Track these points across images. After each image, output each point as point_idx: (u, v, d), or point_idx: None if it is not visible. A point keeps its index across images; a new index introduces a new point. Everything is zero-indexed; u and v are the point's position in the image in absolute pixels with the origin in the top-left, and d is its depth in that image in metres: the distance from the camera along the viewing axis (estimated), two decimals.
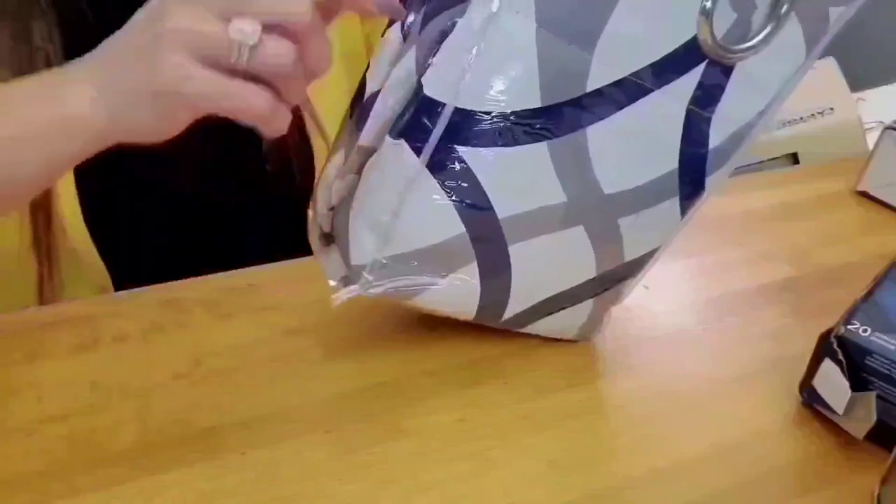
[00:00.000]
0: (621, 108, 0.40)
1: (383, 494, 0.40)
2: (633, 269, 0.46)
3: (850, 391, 0.42)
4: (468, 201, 0.41)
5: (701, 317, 0.53)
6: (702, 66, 0.40)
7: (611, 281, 0.46)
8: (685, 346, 0.49)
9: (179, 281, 0.53)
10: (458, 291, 0.44)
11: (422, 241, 0.42)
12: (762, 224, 0.64)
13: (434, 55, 0.38)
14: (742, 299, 0.55)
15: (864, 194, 0.69)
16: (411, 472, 0.41)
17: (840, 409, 0.43)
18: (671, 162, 0.42)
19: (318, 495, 0.39)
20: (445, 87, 0.38)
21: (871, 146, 0.69)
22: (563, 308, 0.47)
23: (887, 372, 0.41)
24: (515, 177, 0.41)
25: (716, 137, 0.42)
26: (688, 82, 0.40)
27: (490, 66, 0.38)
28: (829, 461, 0.43)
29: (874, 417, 0.42)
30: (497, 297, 0.45)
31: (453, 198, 0.41)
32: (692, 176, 0.43)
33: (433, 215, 0.41)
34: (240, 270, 0.54)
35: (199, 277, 0.53)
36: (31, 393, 0.44)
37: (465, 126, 0.39)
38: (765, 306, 0.55)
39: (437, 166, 0.40)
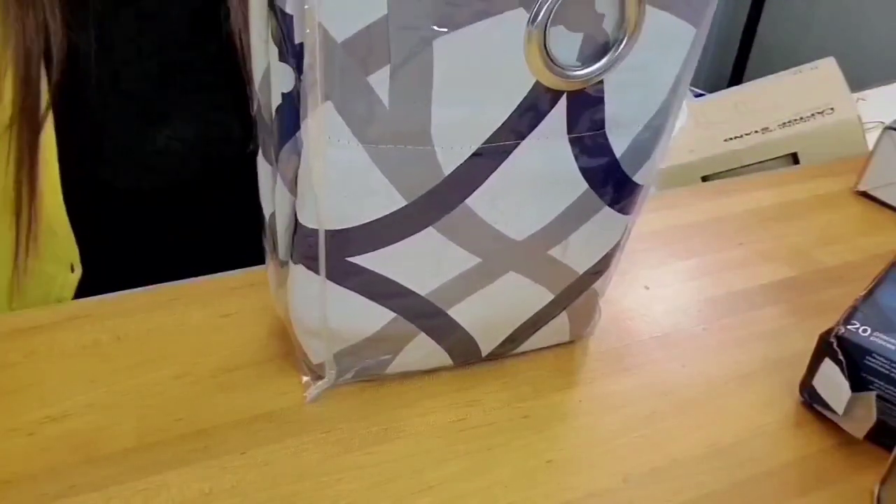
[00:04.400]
0: (493, 170, 0.38)
1: (382, 494, 0.40)
2: (598, 270, 0.45)
3: (850, 391, 0.42)
4: (385, 292, 0.41)
5: (701, 317, 0.53)
6: (563, 100, 0.37)
7: (577, 291, 0.45)
8: (685, 346, 0.49)
9: (179, 281, 0.53)
10: (422, 353, 0.45)
11: (361, 334, 0.43)
12: (762, 224, 0.64)
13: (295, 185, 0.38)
14: (742, 299, 0.55)
15: (864, 194, 0.69)
16: (411, 472, 0.41)
17: (840, 409, 0.43)
18: (577, 187, 0.40)
19: (318, 495, 0.39)
20: (310, 215, 0.38)
21: (871, 146, 0.69)
22: (540, 328, 0.47)
23: (887, 372, 0.41)
24: (419, 261, 0.40)
25: (619, 145, 0.39)
26: (556, 118, 0.37)
27: (341, 192, 0.37)
28: (829, 461, 0.43)
29: (874, 417, 0.42)
30: (464, 347, 0.46)
31: (369, 295, 0.41)
32: (612, 184, 0.41)
33: (358, 312, 0.42)
34: (240, 270, 0.54)
35: (199, 277, 0.53)
36: (31, 393, 0.44)
37: (345, 240, 0.39)
38: (765, 306, 0.55)
39: (339, 276, 0.40)
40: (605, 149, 0.39)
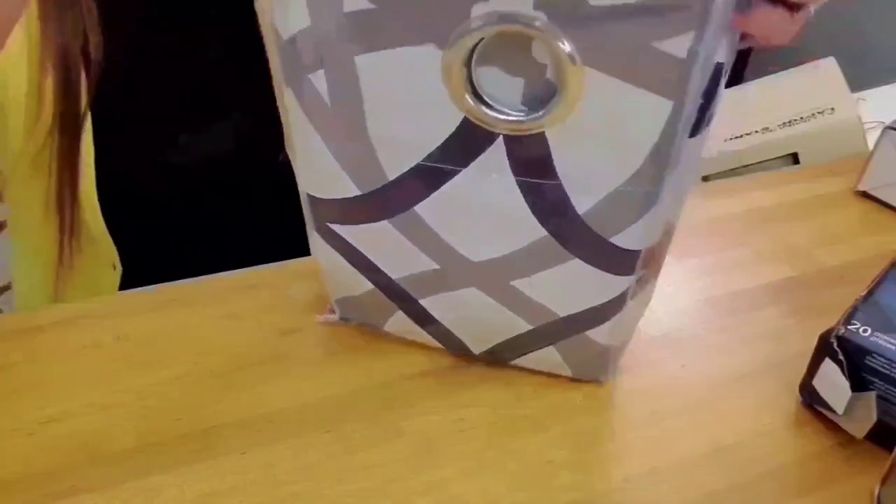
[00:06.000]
0: (437, 188, 0.38)
1: (383, 494, 0.40)
2: (592, 320, 0.42)
3: (850, 391, 0.42)
4: (361, 264, 0.44)
5: (701, 317, 0.53)
6: (500, 140, 0.35)
7: (563, 333, 0.43)
8: (685, 346, 0.49)
9: (179, 281, 0.53)
10: (408, 328, 0.46)
11: (349, 291, 0.46)
12: (762, 224, 0.64)
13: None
14: (742, 299, 0.55)
15: (864, 194, 0.69)
16: (411, 472, 0.41)
17: (840, 409, 0.43)
18: (534, 230, 0.38)
19: (318, 495, 0.39)
20: (298, 176, 0.42)
21: (871, 146, 0.69)
22: (527, 353, 0.46)
23: (888, 372, 0.41)
24: (384, 247, 0.42)
25: (582, 203, 0.37)
26: (495, 156, 0.36)
27: (309, 167, 0.41)
28: (829, 461, 0.43)
29: (874, 417, 0.42)
30: (450, 339, 0.46)
31: (350, 261, 0.44)
32: (580, 241, 0.38)
33: (342, 273, 0.45)
34: (240, 270, 0.54)
35: (199, 277, 0.53)
36: (31, 393, 0.44)
37: (322, 207, 0.42)
38: (765, 306, 0.55)
39: (324, 235, 0.44)
40: (565, 203, 0.37)
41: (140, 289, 0.52)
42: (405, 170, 0.37)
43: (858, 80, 0.94)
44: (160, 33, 0.55)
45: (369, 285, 0.45)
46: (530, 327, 0.43)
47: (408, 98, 0.35)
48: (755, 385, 0.48)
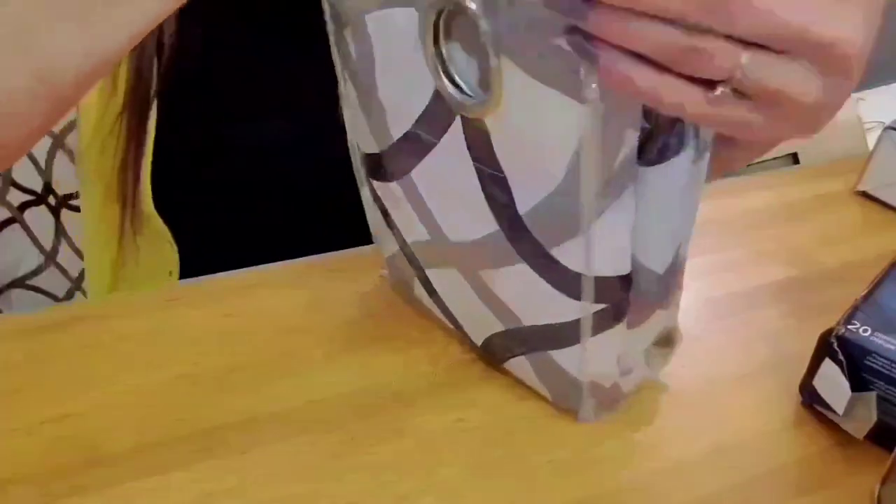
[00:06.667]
0: (422, 157, 0.38)
1: (383, 494, 0.40)
2: (555, 339, 0.40)
3: (850, 391, 0.42)
4: (389, 221, 0.46)
5: (701, 317, 0.53)
6: (457, 119, 0.35)
7: (529, 345, 0.42)
8: (685, 346, 0.49)
9: (180, 281, 0.53)
10: (427, 300, 0.48)
11: (387, 251, 0.49)
12: (762, 224, 0.64)
13: None
14: (742, 299, 0.55)
15: (864, 194, 0.69)
16: (411, 472, 0.41)
17: (840, 409, 0.43)
18: (488, 221, 0.37)
19: (318, 495, 0.39)
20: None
21: (871, 146, 0.69)
22: (513, 357, 0.44)
23: (888, 372, 0.41)
24: (396, 207, 0.44)
25: (523, 201, 0.35)
26: (455, 135, 0.35)
27: (352, 122, 0.44)
28: (829, 461, 0.43)
29: (874, 417, 0.42)
30: (455, 323, 0.47)
31: (384, 216, 0.46)
32: (524, 243, 0.37)
33: (381, 229, 0.48)
34: (240, 270, 0.54)
35: (200, 277, 0.53)
36: (33, 393, 0.44)
37: (366, 162, 0.44)
38: (765, 306, 0.55)
39: (370, 192, 0.47)
40: (510, 198, 0.36)
41: (141, 290, 0.52)
42: (402, 133, 0.39)
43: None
44: (232, 25, 0.57)
45: (396, 246, 0.47)
46: (502, 328, 0.43)
47: (401, 62, 0.36)
48: (755, 385, 0.48)
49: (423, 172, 0.39)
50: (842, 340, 0.43)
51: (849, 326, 0.43)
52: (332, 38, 0.40)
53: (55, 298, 0.66)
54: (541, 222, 0.36)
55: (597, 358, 0.40)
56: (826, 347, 0.43)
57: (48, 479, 0.39)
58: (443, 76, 0.34)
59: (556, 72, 0.30)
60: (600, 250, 0.35)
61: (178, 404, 0.44)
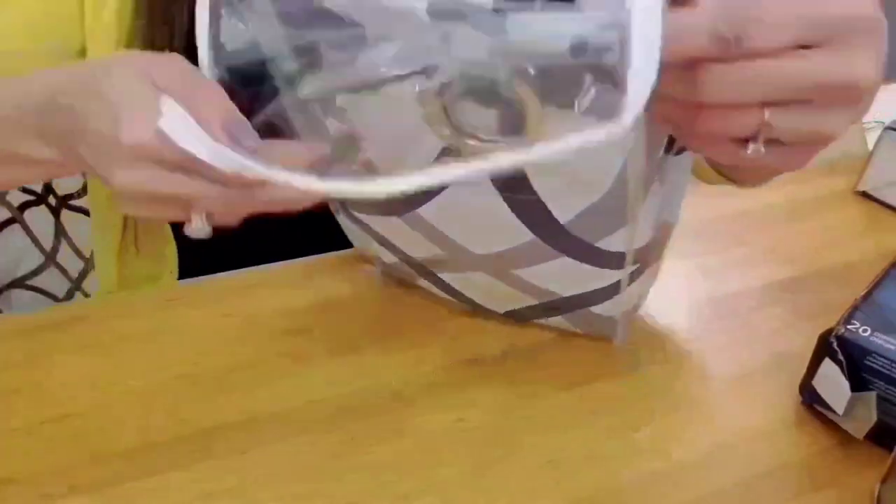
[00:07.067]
0: (432, 198, 0.41)
1: (383, 494, 0.40)
2: (590, 299, 0.46)
3: (850, 391, 0.42)
4: (383, 242, 0.48)
5: (701, 317, 0.53)
6: None
7: (567, 308, 0.47)
8: (685, 346, 0.49)
9: (180, 281, 0.53)
10: (435, 289, 0.51)
11: (385, 258, 0.50)
12: (762, 224, 0.64)
13: None
14: (742, 299, 0.55)
15: (864, 194, 0.69)
16: (411, 472, 0.41)
17: (840, 409, 0.43)
18: (523, 235, 0.41)
19: (318, 495, 0.39)
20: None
21: (871, 146, 0.69)
22: (544, 317, 0.49)
23: (887, 372, 0.41)
24: (396, 233, 0.45)
25: (563, 214, 0.40)
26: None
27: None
28: (829, 461, 0.43)
29: (874, 417, 0.42)
30: (473, 302, 0.49)
31: (374, 238, 0.48)
32: (566, 244, 0.41)
33: (370, 247, 0.50)
34: (240, 270, 0.54)
35: (200, 278, 0.53)
36: (32, 393, 0.44)
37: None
38: (765, 306, 0.55)
39: (348, 217, 0.48)
40: (547, 214, 0.40)
41: (141, 290, 0.52)
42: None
43: None
44: None
45: (394, 258, 0.49)
46: (536, 301, 0.47)
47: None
48: (755, 385, 0.48)
49: (434, 208, 0.41)
50: (842, 340, 0.43)
51: (849, 326, 0.43)
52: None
53: (55, 298, 0.66)
54: (584, 225, 0.40)
55: (628, 298, 0.46)
56: (826, 347, 0.43)
57: (49, 479, 0.39)
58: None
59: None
60: (641, 230, 0.41)
61: (178, 404, 0.44)
